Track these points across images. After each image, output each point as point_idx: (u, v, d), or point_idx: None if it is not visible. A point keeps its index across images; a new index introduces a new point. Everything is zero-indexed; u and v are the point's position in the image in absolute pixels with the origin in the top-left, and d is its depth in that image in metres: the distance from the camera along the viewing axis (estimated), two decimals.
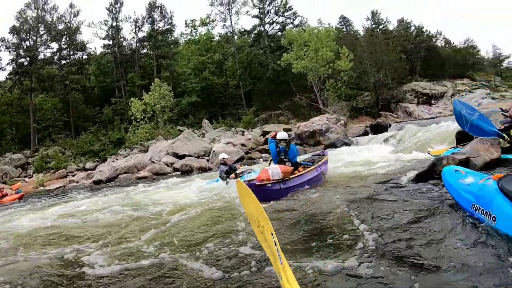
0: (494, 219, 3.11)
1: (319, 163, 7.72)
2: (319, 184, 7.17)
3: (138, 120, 27.31)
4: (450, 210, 3.91)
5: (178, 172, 17.20)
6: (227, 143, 21.12)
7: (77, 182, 18.88)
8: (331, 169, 8.87)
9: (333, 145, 19.37)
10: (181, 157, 19.05)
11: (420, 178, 5.89)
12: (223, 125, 29.76)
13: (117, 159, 23.33)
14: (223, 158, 9.64)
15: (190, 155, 19.12)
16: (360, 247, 3.31)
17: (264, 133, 25.70)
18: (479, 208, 3.37)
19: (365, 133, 22.61)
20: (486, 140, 6.32)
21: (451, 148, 8.39)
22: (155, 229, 5.14)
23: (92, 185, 17.45)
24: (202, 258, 3.64)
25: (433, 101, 37.69)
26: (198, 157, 19.20)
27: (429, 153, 9.03)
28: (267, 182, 6.15)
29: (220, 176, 9.13)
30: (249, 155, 19.85)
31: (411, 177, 6.21)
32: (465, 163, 5.95)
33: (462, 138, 8.48)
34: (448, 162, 5.93)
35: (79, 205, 9.07)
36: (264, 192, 5.93)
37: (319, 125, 21.63)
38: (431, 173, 5.92)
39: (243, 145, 21.52)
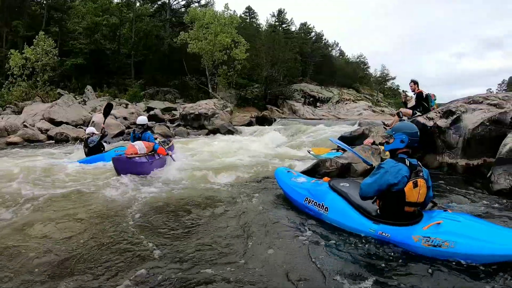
0: (326, 209, 3.97)
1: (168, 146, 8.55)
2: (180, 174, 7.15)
3: (15, 76, 24.75)
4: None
5: (52, 141, 15.97)
6: None
7: None
8: (206, 157, 9.27)
9: (217, 131, 19.88)
10: (58, 123, 17.83)
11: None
12: (107, 94, 28.43)
13: None
14: (92, 133, 8.98)
15: (67, 123, 18.05)
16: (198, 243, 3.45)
17: (149, 109, 25.48)
18: (312, 201, 4.20)
19: (250, 124, 23.68)
20: (368, 148, 6.85)
21: (332, 150, 8.75)
22: None
23: None
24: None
25: (318, 104, 40.40)
26: (76, 125, 18.25)
27: (309, 152, 9.15)
28: (135, 156, 6.86)
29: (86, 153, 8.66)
30: (130, 130, 18.26)
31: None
32: (347, 168, 6.56)
33: (344, 143, 8.75)
34: (331, 164, 6.52)
35: None
36: (134, 164, 6.73)
37: (205, 109, 21.81)
38: (313, 172, 6.44)
39: (125, 118, 20.85)
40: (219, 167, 7.76)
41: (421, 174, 3.26)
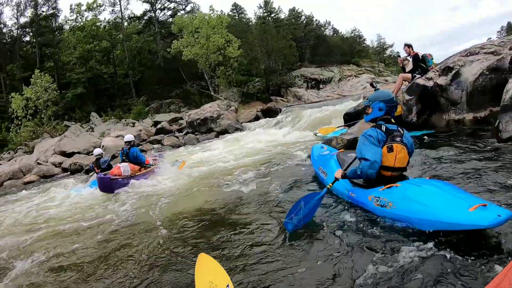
0: (326, 175, 4.49)
1: (150, 168, 8.69)
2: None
3: (20, 117, 25.27)
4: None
5: (67, 173, 16.08)
6: (117, 137, 20.08)
7: None
8: (223, 153, 9.82)
9: (225, 132, 20.07)
10: (70, 155, 18.07)
11: None
12: (113, 117, 28.73)
13: (0, 164, 20.96)
14: (101, 154, 9.58)
15: (79, 152, 18.29)
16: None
17: (155, 123, 25.50)
18: (321, 169, 4.76)
19: (257, 118, 23.30)
20: None
21: (338, 128, 9.04)
22: None
23: None
24: None
25: (321, 86, 40.21)
26: (87, 153, 18.37)
27: (316, 134, 9.46)
28: (119, 177, 7.54)
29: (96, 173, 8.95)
30: (140, 147, 18.68)
31: (302, 155, 6.95)
32: (353, 142, 6.34)
33: (349, 119, 9.18)
34: (337, 142, 6.66)
35: None
36: (115, 184, 7.39)
37: (210, 112, 22.02)
38: None
39: (134, 137, 21.08)
40: (232, 167, 7.85)
41: (397, 139, 3.25)
